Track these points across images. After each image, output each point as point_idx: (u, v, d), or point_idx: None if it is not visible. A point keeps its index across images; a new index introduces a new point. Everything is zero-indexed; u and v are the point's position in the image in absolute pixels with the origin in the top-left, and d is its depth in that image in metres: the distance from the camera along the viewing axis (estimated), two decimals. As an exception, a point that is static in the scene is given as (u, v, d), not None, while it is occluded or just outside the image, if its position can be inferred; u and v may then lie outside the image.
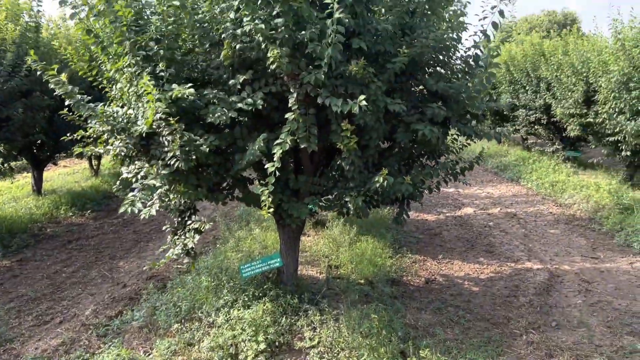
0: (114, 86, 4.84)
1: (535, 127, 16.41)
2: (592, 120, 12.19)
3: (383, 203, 5.10)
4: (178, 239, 5.25)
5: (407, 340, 4.78)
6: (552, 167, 13.55)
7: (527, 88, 16.33)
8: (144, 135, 4.24)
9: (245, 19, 3.90)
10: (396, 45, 4.25)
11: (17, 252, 8.32)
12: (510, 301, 5.99)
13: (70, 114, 5.02)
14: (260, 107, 4.11)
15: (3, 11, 9.56)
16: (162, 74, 4.15)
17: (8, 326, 5.57)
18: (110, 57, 4.50)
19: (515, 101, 17.09)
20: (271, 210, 4.04)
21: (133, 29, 4.17)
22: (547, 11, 40.45)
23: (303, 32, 3.80)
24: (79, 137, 5.11)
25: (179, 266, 6.78)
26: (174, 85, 3.89)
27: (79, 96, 4.43)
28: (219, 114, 3.99)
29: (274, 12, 3.93)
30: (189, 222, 5.29)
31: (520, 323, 5.36)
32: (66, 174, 15.95)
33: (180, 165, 4.04)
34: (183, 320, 5.04)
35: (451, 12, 4.82)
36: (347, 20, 3.82)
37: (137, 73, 4.17)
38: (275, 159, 3.93)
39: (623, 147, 10.92)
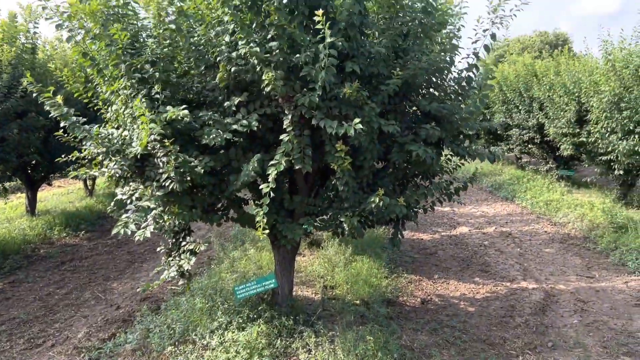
0: (109, 108, 4.86)
1: (529, 146, 16.52)
2: (584, 139, 12.29)
3: (378, 223, 5.11)
4: (172, 260, 5.23)
5: (403, 362, 4.74)
6: (546, 186, 13.62)
7: (520, 108, 16.48)
8: (138, 156, 4.25)
9: (240, 42, 3.95)
10: (389, 68, 4.30)
11: (10, 274, 8.24)
12: (506, 321, 5.97)
13: (66, 135, 5.04)
14: (255, 128, 4.13)
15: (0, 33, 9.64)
16: (158, 96, 4.17)
17: (-1, 350, 5.50)
18: (106, 79, 4.53)
19: (509, 121, 17.23)
20: (266, 231, 4.04)
21: (129, 51, 4.21)
22: (538, 32, 41.00)
23: (297, 55, 3.85)
24: (73, 159, 5.11)
25: (173, 287, 6.73)
26: (169, 107, 3.91)
27: (74, 118, 4.45)
28: (214, 135, 4.02)
29: (269, 36, 3.99)
30: (183, 243, 5.27)
31: (516, 344, 5.33)
32: (60, 194, 15.90)
33: (174, 187, 4.05)
34: (177, 343, 4.99)
35: (444, 35, 4.90)
36: (340, 43, 3.88)
37: (132, 95, 4.20)
38: (270, 179, 3.94)
39: (616, 166, 11.01)
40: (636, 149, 9.81)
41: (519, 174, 16.06)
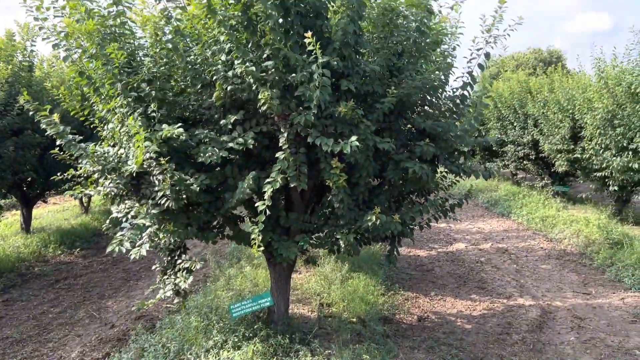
0: (105, 126, 4.88)
1: (524, 162, 16.60)
2: (579, 155, 12.37)
3: (374, 240, 5.11)
4: (168, 278, 5.20)
5: (400, 380, 4.70)
6: (542, 202, 13.65)
7: (514, 124, 16.60)
8: (134, 174, 4.26)
9: (236, 62, 3.98)
10: (384, 86, 4.35)
11: (3, 292, 8.17)
12: (503, 339, 5.94)
13: (61, 153, 5.04)
14: (251, 146, 4.15)
15: (-3, 51, 9.69)
16: (154, 114, 4.20)
17: (-9, 370, 5.43)
18: (103, 97, 4.55)
19: (504, 137, 17.34)
20: (261, 248, 4.03)
21: (125, 70, 4.24)
22: (533, 49, 41.44)
23: (293, 74, 3.88)
24: (69, 177, 5.11)
25: (168, 305, 6.68)
26: (164, 126, 3.93)
27: (70, 136, 4.46)
28: (210, 153, 4.03)
29: (264, 55, 4.03)
30: (179, 261, 5.25)
31: (513, 361, 5.31)
32: (56, 211, 15.82)
33: (170, 205, 4.05)
34: (172, 362, 4.94)
35: (438, 54, 4.96)
36: (335, 62, 3.92)
37: (128, 113, 4.22)
38: (265, 197, 3.94)
39: (610, 183, 11.06)
40: (630, 165, 9.88)
41: (515, 190, 16.11)
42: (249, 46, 4.09)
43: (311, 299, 6.80)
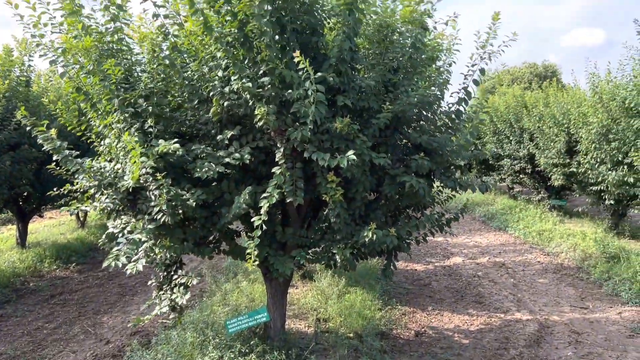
0: (102, 141, 4.89)
1: (521, 176, 16.66)
2: (575, 169, 12.43)
3: (370, 255, 5.11)
4: (164, 294, 5.18)
5: (397, 397, 4.67)
6: (538, 216, 13.67)
7: (510, 138, 16.68)
8: (130, 190, 4.26)
9: (233, 78, 4.02)
10: (380, 102, 4.38)
11: (-2, 308, 8.11)
12: (500, 354, 5.91)
13: (58, 168, 5.04)
14: (248, 161, 4.16)
15: (-5, 66, 9.73)
16: (151, 129, 4.21)
17: (-16, 387, 5.37)
18: (100, 113, 4.57)
19: (500, 151, 17.41)
20: (256, 262, 4.03)
21: (122, 86, 4.26)
22: (528, 63, 41.76)
23: (290, 90, 3.91)
24: (65, 192, 5.10)
25: (164, 321, 6.63)
26: (161, 141, 3.94)
27: (67, 151, 4.46)
28: (207, 168, 4.04)
29: (261, 71, 4.06)
30: (175, 276, 5.23)
31: (511, 377, 5.28)
32: (52, 225, 15.76)
33: (166, 220, 4.05)
34: (167, 379, 4.90)
35: (434, 69, 5.01)
36: (331, 78, 3.95)
37: (125, 129, 4.23)
38: (262, 212, 3.95)
39: (606, 196, 11.11)
40: (625, 179, 9.92)
41: (512, 203, 16.14)
42: (246, 62, 4.12)
43: (308, 314, 6.76)
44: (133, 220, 4.65)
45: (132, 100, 4.24)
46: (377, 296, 7.49)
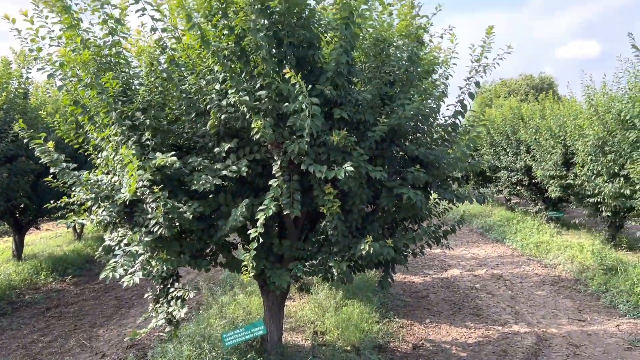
0: (99, 154, 4.90)
1: (518, 188, 16.70)
2: (571, 181, 12.46)
3: (368, 267, 5.10)
4: (160, 307, 5.15)
5: (394, 410, 4.64)
6: (536, 228, 13.69)
7: (507, 150, 16.74)
8: (127, 202, 4.26)
9: (230, 91, 4.03)
10: (376, 115, 4.40)
11: (-7, 321, 8.05)
12: (498, 367, 5.89)
13: (55, 180, 5.04)
14: (245, 173, 4.17)
15: (-7, 78, 9.75)
16: (148, 142, 4.22)
17: (-22, 401, 5.32)
18: (97, 125, 4.58)
19: (497, 163, 17.46)
20: (252, 274, 4.02)
21: (120, 99, 4.28)
22: (524, 75, 42.00)
23: (286, 103, 3.93)
24: (62, 204, 5.10)
25: (160, 334, 6.60)
26: (158, 154, 3.95)
27: (64, 164, 4.47)
28: (204, 181, 4.04)
29: (258, 85, 4.08)
30: (171, 289, 5.21)
31: (509, 390, 5.25)
32: (48, 237, 15.70)
33: (163, 232, 4.04)
34: (163, 393, 4.86)
35: (430, 82, 5.04)
36: (328, 91, 3.98)
37: (122, 141, 4.24)
38: (258, 224, 3.95)
39: (603, 208, 11.13)
40: (622, 191, 9.95)
41: (509, 215, 16.15)
42: (243, 76, 4.15)
43: (305, 327, 6.73)
44: (130, 232, 4.64)
45: (129, 113, 4.26)
46: (375, 309, 7.47)
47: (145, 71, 4.49)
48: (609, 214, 11.07)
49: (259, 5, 3.90)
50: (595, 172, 10.99)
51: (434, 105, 4.87)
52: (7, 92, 9.79)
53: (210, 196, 4.45)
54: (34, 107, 10.51)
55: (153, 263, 4.77)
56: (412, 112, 4.21)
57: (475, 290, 9.21)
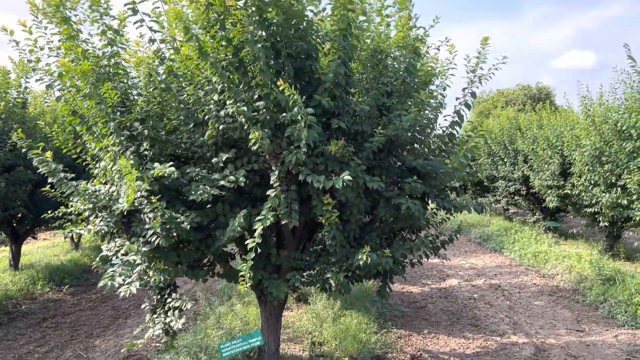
0: (97, 164, 4.90)
1: (515, 197, 16.71)
2: (569, 191, 12.49)
3: (365, 277, 5.10)
4: (157, 317, 5.13)
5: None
6: (534, 238, 13.68)
7: (505, 160, 16.79)
8: (125, 212, 4.26)
9: (228, 102, 4.06)
10: (373, 125, 4.42)
11: (-11, 331, 8.01)
12: (497, 378, 5.87)
13: (53, 190, 5.04)
14: (243, 184, 4.18)
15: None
16: (146, 152, 4.23)
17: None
18: (95, 136, 4.59)
19: (495, 173, 17.49)
20: (249, 284, 4.01)
21: (119, 109, 4.29)
22: (522, 85, 42.23)
23: (284, 114, 3.95)
24: (60, 214, 5.10)
25: (157, 345, 6.57)
26: (156, 164, 3.95)
27: (62, 174, 4.47)
28: (201, 191, 4.05)
29: (256, 95, 4.10)
30: (169, 300, 5.19)
31: (507, 402, 5.22)
32: (46, 247, 15.65)
33: (160, 242, 4.04)
34: (159, 404, 4.83)
35: (427, 93, 5.07)
36: (326, 102, 4.00)
37: (121, 152, 4.25)
38: (256, 234, 3.95)
39: (600, 218, 11.15)
40: (619, 201, 9.98)
41: (507, 225, 16.15)
42: (241, 86, 4.17)
43: (303, 338, 6.71)
44: (127, 243, 4.64)
45: (127, 124, 4.27)
46: (373, 319, 7.44)
47: (143, 82, 4.52)
48: (606, 224, 11.08)
49: (257, 17, 3.93)
50: (592, 182, 11.03)
51: (431, 116, 4.91)
52: (6, 101, 9.80)
53: (208, 206, 4.45)
54: (32, 116, 10.52)
55: (150, 273, 4.76)
56: (409, 123, 4.23)
57: (474, 301, 9.19)
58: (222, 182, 4.13)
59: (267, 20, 4.02)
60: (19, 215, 10.88)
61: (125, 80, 4.58)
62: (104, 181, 4.84)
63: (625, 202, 9.83)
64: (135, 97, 4.59)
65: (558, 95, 43.54)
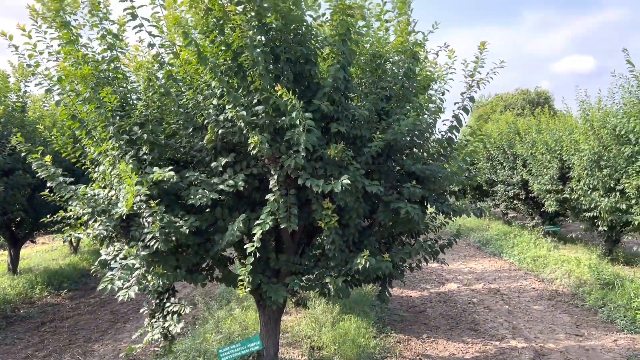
0: (97, 168, 4.91)
1: (514, 202, 16.72)
2: (568, 196, 12.50)
3: (365, 282, 5.10)
4: (156, 322, 5.13)
5: None
6: (533, 242, 13.69)
7: (504, 164, 16.80)
8: (124, 217, 4.26)
9: (227, 106, 4.06)
10: (372, 130, 4.43)
11: (-13, 336, 7.99)
12: (496, 383, 5.86)
13: (52, 194, 5.04)
14: (242, 188, 4.18)
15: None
16: (145, 156, 4.23)
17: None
18: (95, 140, 4.59)
19: (494, 177, 17.51)
20: (248, 289, 4.01)
21: (118, 113, 4.30)
22: (521, 90, 42.31)
23: (283, 117, 3.96)
24: (59, 218, 5.09)
25: (155, 349, 6.55)
26: (155, 168, 3.96)
27: (61, 178, 4.47)
28: (200, 195, 4.05)
29: (255, 100, 4.11)
30: (167, 304, 5.18)
31: (506, 406, 5.21)
32: (44, 251, 15.63)
33: (159, 246, 4.04)
34: (157, 409, 4.81)
35: (426, 98, 5.08)
36: (325, 107, 4.01)
37: (120, 156, 4.25)
38: (255, 239, 3.95)
39: (599, 223, 11.15)
40: (618, 205, 9.99)
41: (506, 229, 16.16)
42: (240, 91, 4.17)
43: (301, 342, 6.70)
44: (126, 247, 4.64)
45: (127, 128, 4.27)
46: (372, 323, 7.44)
47: (143, 86, 4.53)
48: (605, 228, 11.09)
49: (256, 22, 3.94)
50: (591, 186, 11.04)
51: (430, 120, 4.91)
52: (5, 105, 9.81)
53: (207, 210, 4.45)
54: (31, 120, 10.53)
55: (149, 277, 4.75)
56: (407, 127, 4.24)
57: (473, 305, 9.18)
58: (221, 186, 4.13)
59: (266, 25, 4.04)
60: (18, 219, 10.88)
61: (124, 85, 4.59)
62: (103, 185, 4.84)
63: (624, 206, 9.84)
64: (135, 102, 4.60)
65: (557, 99, 43.67)
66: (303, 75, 4.34)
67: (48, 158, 4.54)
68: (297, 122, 3.70)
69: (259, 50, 3.83)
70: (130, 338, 7.49)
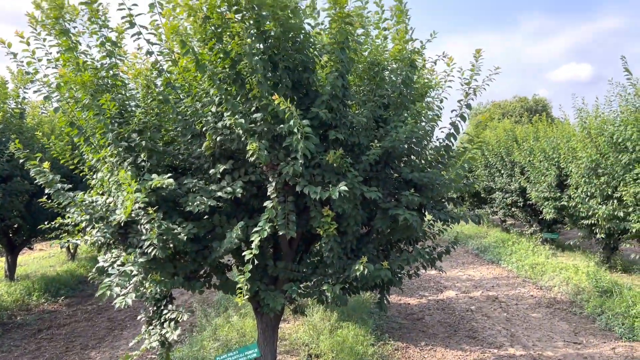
0: (95, 174, 4.91)
1: (512, 209, 16.74)
2: (566, 203, 12.52)
3: (363, 289, 5.09)
4: (153, 329, 5.11)
5: None
6: (531, 249, 13.69)
7: (502, 172, 16.83)
8: (122, 223, 4.25)
9: (225, 113, 4.07)
10: (370, 137, 4.44)
11: (-17, 343, 7.95)
12: (494, 391, 5.84)
13: (49, 201, 5.04)
14: (240, 195, 4.18)
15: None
16: (143, 163, 4.24)
17: None
18: (93, 147, 4.59)
19: (492, 184, 17.53)
20: (246, 297, 4.00)
21: (116, 120, 4.30)
22: (518, 97, 42.47)
23: (282, 125, 3.97)
24: (57, 225, 5.09)
25: (152, 356, 6.52)
26: (154, 175, 3.96)
27: (59, 185, 4.47)
28: (198, 202, 4.05)
29: (253, 107, 4.12)
30: (165, 311, 5.17)
31: (505, 415, 5.20)
32: (42, 257, 15.59)
33: (157, 253, 4.03)
34: (154, 417, 4.79)
35: (424, 105, 5.10)
36: (323, 114, 4.02)
37: (118, 163, 4.26)
38: (253, 246, 3.94)
39: (597, 230, 11.17)
40: (616, 213, 10.00)
41: (504, 236, 16.16)
42: (238, 98, 4.19)
43: (299, 350, 6.68)
44: (124, 253, 4.63)
45: (125, 135, 4.28)
46: (370, 331, 7.42)
47: (141, 93, 4.53)
48: (603, 235, 11.10)
49: (255, 30, 3.96)
50: (588, 194, 11.07)
51: (428, 128, 4.92)
52: (4, 111, 9.82)
53: (205, 217, 4.45)
54: (30, 127, 10.54)
55: (147, 284, 4.75)
56: (405, 135, 4.25)
57: (471, 312, 9.17)
58: (219, 193, 4.14)
59: (265, 32, 4.05)
60: (15, 226, 10.85)
61: (123, 92, 4.60)
62: (101, 192, 4.83)
63: (621, 214, 9.86)
64: (133, 109, 4.60)
65: (554, 107, 43.85)
66: (301, 83, 4.35)
67: (46, 165, 4.54)
68: (295, 130, 3.71)
69: (257, 57, 3.84)
70: (128, 345, 7.46)
